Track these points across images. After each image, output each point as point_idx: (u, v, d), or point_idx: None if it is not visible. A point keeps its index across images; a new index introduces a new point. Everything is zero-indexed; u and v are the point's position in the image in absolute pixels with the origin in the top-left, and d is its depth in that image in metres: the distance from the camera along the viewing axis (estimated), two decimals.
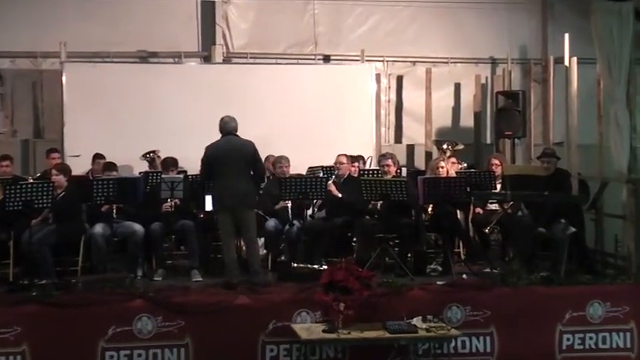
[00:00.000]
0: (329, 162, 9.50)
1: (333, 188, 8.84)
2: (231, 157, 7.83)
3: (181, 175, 8.82)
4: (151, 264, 8.60)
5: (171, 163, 8.94)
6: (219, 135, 8.06)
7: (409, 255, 8.60)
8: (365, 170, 9.86)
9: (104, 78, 10.77)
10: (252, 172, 7.98)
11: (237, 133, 8.06)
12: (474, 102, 12.30)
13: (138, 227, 8.27)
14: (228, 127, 7.99)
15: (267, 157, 9.48)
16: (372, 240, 8.54)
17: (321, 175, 9.42)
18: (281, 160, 9.12)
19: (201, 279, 8.20)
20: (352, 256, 8.33)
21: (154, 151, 10.19)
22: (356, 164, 9.63)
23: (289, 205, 8.64)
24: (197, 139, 10.11)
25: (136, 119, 10.69)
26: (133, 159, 10.15)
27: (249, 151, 7.93)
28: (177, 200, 8.50)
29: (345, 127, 11.05)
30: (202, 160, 8.10)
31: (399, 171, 9.52)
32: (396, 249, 8.73)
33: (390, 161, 8.97)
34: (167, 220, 8.45)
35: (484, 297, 7.50)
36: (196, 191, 8.86)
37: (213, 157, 7.94)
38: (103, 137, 10.41)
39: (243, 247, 8.37)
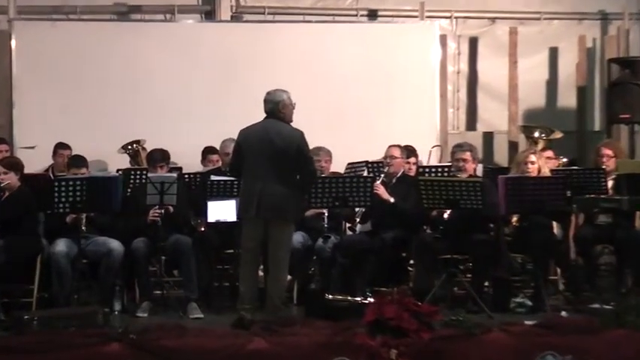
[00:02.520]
0: (376, 156, 9.51)
1: (382, 191, 8.82)
2: (265, 150, 7.84)
3: (174, 174, 8.86)
4: (133, 295, 8.66)
5: (160, 157, 8.96)
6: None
7: (486, 284, 8.60)
8: (426, 167, 9.84)
9: (68, 42, 10.89)
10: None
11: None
12: (577, 73, 12.28)
13: (115, 245, 8.31)
14: (265, 107, 8.00)
15: None
16: (435, 263, 8.53)
17: (365, 174, 9.42)
18: (319, 153, 9.13)
19: (201, 315, 8.24)
20: (407, 285, 8.35)
21: (137, 142, 10.28)
22: (412, 160, 9.61)
23: (325, 213, 8.69)
24: (194, 124, 10.30)
25: (112, 98, 10.80)
26: (108, 151, 10.27)
27: (293, 143, 7.88)
28: (168, 207, 8.54)
29: (398, 109, 11.14)
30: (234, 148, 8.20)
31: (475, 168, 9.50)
32: (468, 275, 8.75)
33: (468, 154, 8.84)
34: (155, 234, 8.49)
35: (591, 342, 7.39)
36: (195, 195, 8.90)
37: (241, 146, 8.01)
38: (67, 122, 10.56)
39: (261, 272, 8.38)
